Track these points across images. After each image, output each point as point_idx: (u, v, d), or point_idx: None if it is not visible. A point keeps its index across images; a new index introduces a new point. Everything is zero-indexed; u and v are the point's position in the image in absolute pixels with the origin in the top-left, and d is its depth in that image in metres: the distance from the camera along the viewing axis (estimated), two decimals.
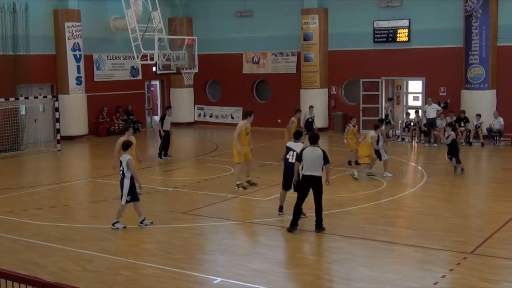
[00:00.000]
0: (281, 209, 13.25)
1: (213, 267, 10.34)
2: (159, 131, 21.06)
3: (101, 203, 15.04)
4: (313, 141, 12.09)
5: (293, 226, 11.94)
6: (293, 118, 19.96)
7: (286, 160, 12.96)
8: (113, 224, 12.34)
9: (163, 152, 21.01)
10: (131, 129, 14.82)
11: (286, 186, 13.02)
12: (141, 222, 12.45)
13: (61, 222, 13.16)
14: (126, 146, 12.46)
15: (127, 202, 12.22)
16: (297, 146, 12.81)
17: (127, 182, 12.12)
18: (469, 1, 23.92)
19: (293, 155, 12.72)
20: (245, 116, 16.37)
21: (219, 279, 9.54)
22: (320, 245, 11.62)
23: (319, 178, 11.86)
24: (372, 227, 12.32)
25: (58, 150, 23.58)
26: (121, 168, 12.17)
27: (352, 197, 14.95)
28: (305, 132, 18.85)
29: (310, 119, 22.07)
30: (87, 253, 10.81)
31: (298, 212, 11.98)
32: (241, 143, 15.85)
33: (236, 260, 10.56)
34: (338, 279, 9.52)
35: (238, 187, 15.92)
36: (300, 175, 12.07)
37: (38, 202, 15.03)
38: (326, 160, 11.86)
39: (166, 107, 22.94)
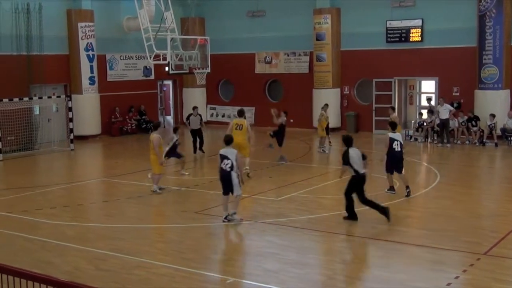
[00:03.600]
0: (392, 188, 15.15)
1: (225, 267, 10.36)
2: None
3: (114, 202, 15.12)
4: (351, 143, 12.85)
5: (387, 214, 12.51)
6: (322, 112, 22.40)
7: (393, 149, 14.69)
8: (230, 216, 12.66)
9: (197, 148, 21.99)
10: (163, 126, 15.50)
11: (389, 170, 14.99)
12: (225, 218, 12.68)
13: (75, 221, 13.24)
14: (230, 141, 12.71)
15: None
16: (399, 136, 14.93)
17: (235, 175, 12.45)
18: (482, 1, 23.78)
19: (398, 145, 14.70)
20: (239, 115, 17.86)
21: (232, 279, 9.56)
22: (332, 245, 11.62)
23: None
24: (384, 228, 12.29)
25: (72, 149, 23.71)
26: (229, 162, 12.35)
27: None
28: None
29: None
30: (100, 252, 10.87)
31: (376, 204, 12.64)
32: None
33: (248, 260, 10.59)
34: (350, 279, 9.52)
35: None
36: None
37: (52, 201, 15.13)
38: (364, 156, 12.87)
39: (193, 107, 23.23)
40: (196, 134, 21.96)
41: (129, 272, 9.83)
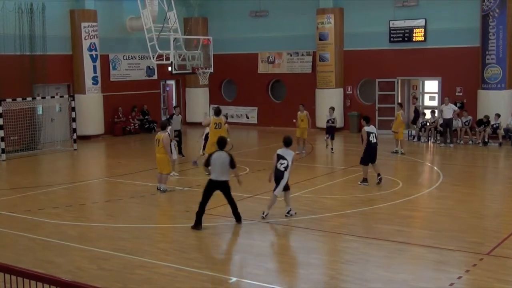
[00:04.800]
0: (365, 180, 16.15)
1: (228, 267, 10.36)
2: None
3: (117, 202, 15.12)
4: (222, 147, 12.51)
5: (198, 224, 12.26)
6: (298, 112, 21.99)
7: (369, 141, 15.97)
8: (288, 213, 13.04)
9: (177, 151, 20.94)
10: (169, 126, 16.46)
11: (365, 162, 16.14)
12: (288, 213, 13.03)
13: (77, 221, 13.25)
14: (289, 142, 13.01)
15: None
16: (374, 129, 16.30)
17: (287, 176, 12.78)
18: (486, 1, 23.75)
19: (373, 137, 16.02)
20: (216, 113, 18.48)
21: (234, 279, 9.56)
22: (335, 245, 11.61)
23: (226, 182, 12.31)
24: (387, 228, 12.28)
25: (74, 149, 23.74)
26: (284, 162, 12.68)
27: (367, 198, 14.91)
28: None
29: (330, 121, 22.27)
30: (103, 252, 10.87)
31: (200, 217, 12.28)
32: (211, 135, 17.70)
33: (251, 259, 10.57)
34: (353, 280, 9.50)
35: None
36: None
37: (54, 201, 15.15)
38: (232, 165, 12.29)
39: (174, 106, 22.94)
40: (179, 135, 20.73)
41: (131, 272, 9.83)
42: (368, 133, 16.06)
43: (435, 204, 14.58)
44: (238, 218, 12.54)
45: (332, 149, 22.16)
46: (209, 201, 12.34)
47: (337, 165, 20.27)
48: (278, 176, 12.80)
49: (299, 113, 21.87)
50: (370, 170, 16.37)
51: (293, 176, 17.35)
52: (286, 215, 13.03)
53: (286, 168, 12.75)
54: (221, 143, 12.52)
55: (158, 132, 16.07)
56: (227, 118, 20.00)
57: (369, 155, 16.15)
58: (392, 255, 10.62)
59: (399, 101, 25.18)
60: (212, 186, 12.25)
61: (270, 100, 30.91)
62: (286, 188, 13.00)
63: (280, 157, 12.84)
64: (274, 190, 12.91)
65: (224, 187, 12.27)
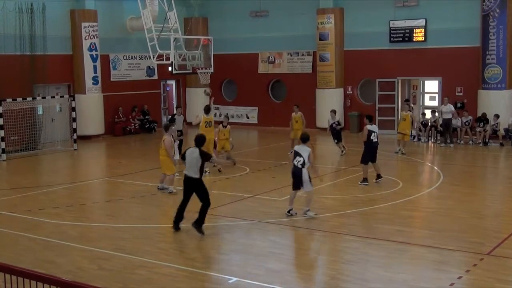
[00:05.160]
0: (365, 180, 16.13)
1: (228, 267, 10.35)
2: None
3: (117, 202, 15.13)
4: (198, 144, 12.15)
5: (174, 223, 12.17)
6: (293, 114, 21.74)
7: (370, 140, 16.07)
8: (304, 214, 13.06)
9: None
10: (172, 127, 16.40)
11: (365, 161, 16.21)
12: (288, 212, 13.18)
13: (77, 221, 13.25)
14: (306, 139, 13.13)
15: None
16: (376, 128, 16.45)
17: (306, 172, 12.85)
18: (486, 1, 23.75)
19: (375, 136, 16.11)
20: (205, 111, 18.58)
21: (235, 279, 9.55)
22: (335, 245, 11.60)
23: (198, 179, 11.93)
24: (387, 228, 12.28)
25: (75, 149, 23.74)
26: (301, 159, 12.77)
27: (367, 198, 14.91)
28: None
29: (334, 124, 22.02)
30: (103, 252, 10.87)
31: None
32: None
33: (251, 259, 10.57)
34: (353, 279, 9.50)
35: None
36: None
37: (55, 201, 15.15)
38: (205, 158, 11.96)
39: (176, 107, 22.92)
40: (179, 135, 20.50)
41: (132, 272, 9.84)
42: (370, 132, 16.19)
43: (435, 204, 14.58)
44: (199, 221, 11.91)
45: (342, 151, 21.67)
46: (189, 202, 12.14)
47: (337, 165, 20.26)
48: (296, 173, 12.87)
49: (293, 114, 21.70)
50: (370, 170, 16.39)
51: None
52: (286, 214, 13.07)
53: (303, 165, 12.79)
54: (198, 141, 12.21)
55: (164, 134, 15.98)
56: (228, 118, 19.93)
57: (370, 154, 16.26)
58: (392, 255, 10.63)
59: (407, 102, 25.02)
60: (186, 182, 12.04)
61: (270, 100, 30.91)
62: (298, 187, 13.06)
63: (296, 154, 12.95)
64: (293, 188, 13.02)
65: (196, 185, 11.95)
